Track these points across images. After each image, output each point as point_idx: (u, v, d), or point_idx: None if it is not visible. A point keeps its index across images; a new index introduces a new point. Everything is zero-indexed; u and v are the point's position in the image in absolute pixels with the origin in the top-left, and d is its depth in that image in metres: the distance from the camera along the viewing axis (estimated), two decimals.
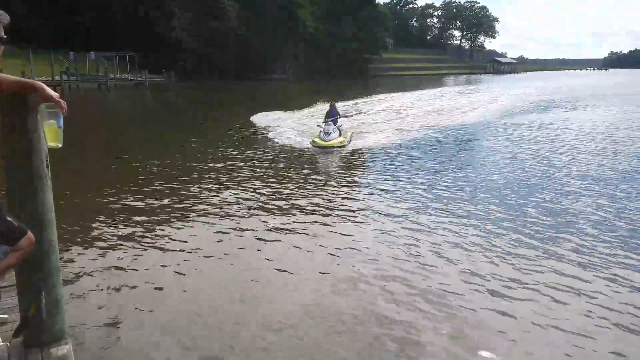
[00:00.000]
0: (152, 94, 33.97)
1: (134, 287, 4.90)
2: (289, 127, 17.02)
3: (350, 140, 13.83)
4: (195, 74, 46.52)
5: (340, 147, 12.77)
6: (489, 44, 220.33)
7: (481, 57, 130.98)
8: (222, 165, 10.93)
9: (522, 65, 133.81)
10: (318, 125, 13.99)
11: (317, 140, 12.85)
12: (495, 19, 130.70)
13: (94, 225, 6.76)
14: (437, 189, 8.79)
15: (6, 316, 3.37)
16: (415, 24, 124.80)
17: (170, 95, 34.79)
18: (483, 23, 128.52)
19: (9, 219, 2.03)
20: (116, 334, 4.04)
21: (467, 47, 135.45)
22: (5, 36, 1.89)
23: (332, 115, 14.20)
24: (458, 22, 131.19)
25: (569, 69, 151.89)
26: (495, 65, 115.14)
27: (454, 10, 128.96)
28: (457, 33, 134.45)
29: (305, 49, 62.62)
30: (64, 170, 9.10)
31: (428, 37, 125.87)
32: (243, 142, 14.34)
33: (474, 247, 5.98)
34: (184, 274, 5.21)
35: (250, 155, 12.16)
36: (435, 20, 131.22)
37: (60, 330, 2.50)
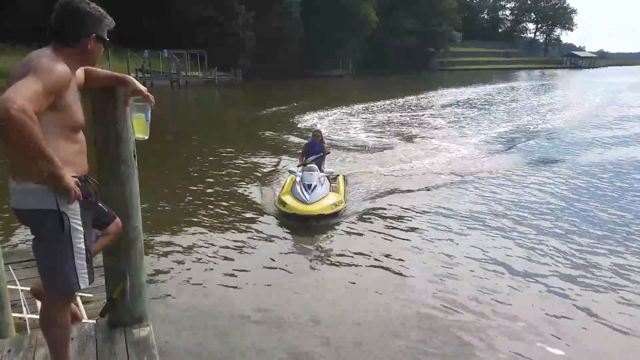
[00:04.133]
0: (220, 92, 35.24)
1: (212, 276, 5.09)
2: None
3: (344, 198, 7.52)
4: (259, 72, 47.62)
5: (334, 213, 6.89)
6: (566, 37, 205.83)
7: (556, 51, 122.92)
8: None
9: (603, 60, 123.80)
10: (290, 172, 8.02)
11: (290, 203, 6.86)
12: (573, 11, 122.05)
13: (171, 214, 7.16)
14: None
15: (91, 295, 3.62)
16: (486, 16, 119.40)
17: (237, 92, 35.91)
18: (560, 15, 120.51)
19: (100, 204, 2.15)
20: (193, 319, 4.22)
21: (541, 41, 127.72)
22: (107, 39, 2.00)
23: (313, 154, 8.32)
24: (532, 14, 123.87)
25: None
26: (572, 59, 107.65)
27: (528, 2, 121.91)
28: (531, 26, 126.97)
29: (366, 44, 61.87)
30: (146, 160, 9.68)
31: (499, 30, 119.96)
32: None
33: None
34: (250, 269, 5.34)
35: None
36: (508, 12, 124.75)
37: (143, 312, 2.62)
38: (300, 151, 9.00)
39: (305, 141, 9.21)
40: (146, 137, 2.32)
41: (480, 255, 5.64)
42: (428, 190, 8.66)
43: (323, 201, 6.89)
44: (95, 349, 2.42)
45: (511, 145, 13.12)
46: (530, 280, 5.01)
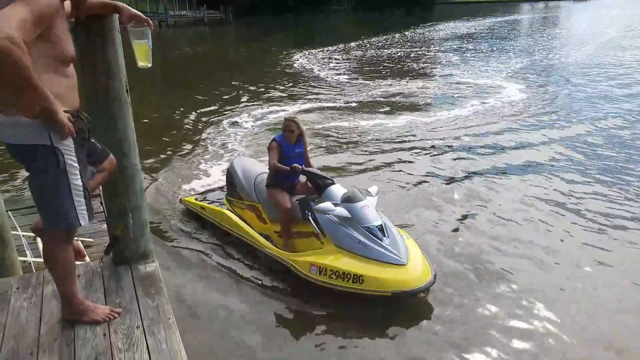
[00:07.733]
0: (209, 31, 33.99)
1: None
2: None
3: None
4: (251, 8, 45.67)
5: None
6: None
7: None
8: None
9: None
10: (319, 210, 3.84)
11: (379, 275, 3.50)
12: None
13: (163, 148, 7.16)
14: None
15: (91, 240, 3.64)
16: None
17: (227, 31, 34.61)
18: None
19: (93, 140, 2.09)
20: (200, 256, 4.31)
21: None
22: None
23: (292, 161, 4.13)
24: None
25: None
26: None
27: None
28: None
29: None
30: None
31: None
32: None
33: None
34: None
35: None
36: None
37: (147, 249, 2.63)
38: (269, 159, 4.22)
39: (272, 138, 4.38)
40: (149, 65, 2.15)
41: None
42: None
43: (414, 250, 3.85)
44: (102, 284, 2.45)
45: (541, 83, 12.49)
46: None
